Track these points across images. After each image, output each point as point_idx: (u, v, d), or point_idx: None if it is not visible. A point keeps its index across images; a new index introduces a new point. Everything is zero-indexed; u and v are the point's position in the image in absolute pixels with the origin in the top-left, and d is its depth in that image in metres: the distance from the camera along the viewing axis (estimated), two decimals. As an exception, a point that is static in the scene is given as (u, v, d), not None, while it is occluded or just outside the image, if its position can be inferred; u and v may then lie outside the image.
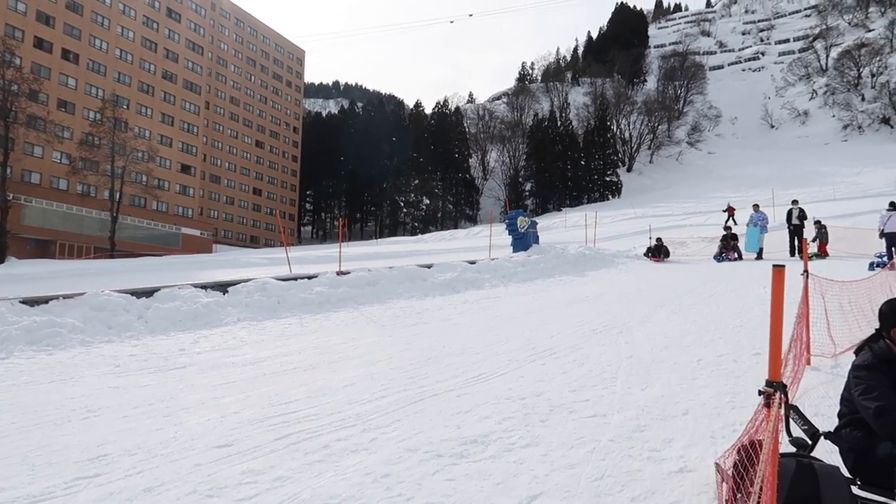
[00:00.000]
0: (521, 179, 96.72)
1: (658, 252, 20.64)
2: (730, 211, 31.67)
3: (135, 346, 7.29)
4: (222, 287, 10.27)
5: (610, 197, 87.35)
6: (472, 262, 15.74)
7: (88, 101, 57.60)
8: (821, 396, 5.12)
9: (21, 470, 3.61)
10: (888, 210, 17.53)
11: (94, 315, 8.01)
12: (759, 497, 1.81)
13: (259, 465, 3.70)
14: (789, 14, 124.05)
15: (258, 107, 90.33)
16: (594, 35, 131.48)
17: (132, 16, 63.80)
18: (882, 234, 17.15)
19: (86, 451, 3.92)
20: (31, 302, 8.03)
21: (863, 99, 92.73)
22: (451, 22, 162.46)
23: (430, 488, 3.44)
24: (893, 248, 16.51)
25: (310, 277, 11.71)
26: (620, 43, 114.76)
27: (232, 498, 3.28)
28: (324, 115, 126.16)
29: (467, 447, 4.07)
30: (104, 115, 50.08)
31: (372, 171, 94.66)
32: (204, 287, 10.04)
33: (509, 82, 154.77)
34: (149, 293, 9.20)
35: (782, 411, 2.56)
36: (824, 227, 19.64)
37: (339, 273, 12.28)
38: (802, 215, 19.20)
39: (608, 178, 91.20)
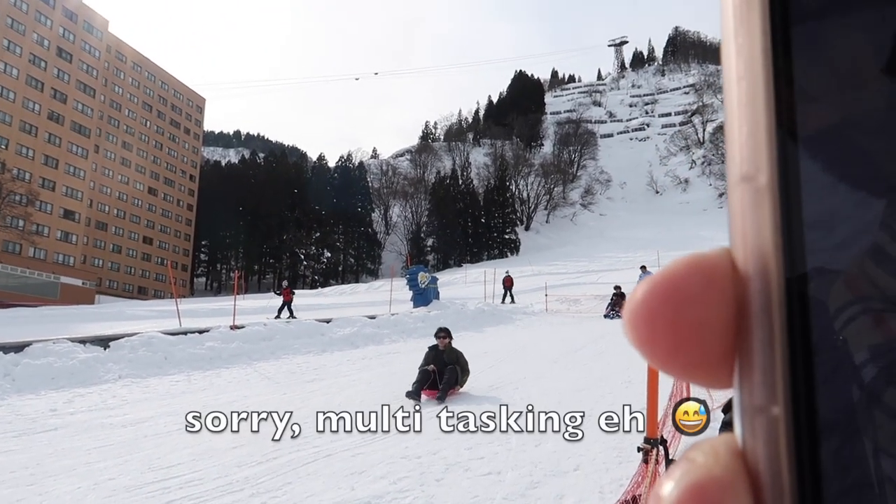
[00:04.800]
0: (423, 235, 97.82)
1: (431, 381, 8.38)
2: (507, 281, 27.06)
3: (-2, 406, 6.67)
4: (103, 341, 9.64)
5: (509, 254, 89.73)
6: (372, 317, 15.64)
7: (-39, 138, 53.59)
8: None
9: None
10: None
11: (-49, 372, 7.29)
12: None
13: (134, 537, 3.45)
14: (670, 90, 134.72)
15: (153, 153, 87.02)
16: (494, 99, 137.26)
17: (17, 52, 60.45)
18: None
19: (-69, 528, 3.52)
20: None
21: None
22: (357, 79, 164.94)
23: (321, 554, 3.32)
24: None
25: (201, 332, 11.23)
26: (519, 108, 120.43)
27: (101, 574, 3.03)
28: (223, 164, 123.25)
29: (360, 509, 3.98)
30: (-22, 155, 46.71)
31: (272, 222, 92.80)
32: (82, 341, 9.39)
33: (412, 140, 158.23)
34: (18, 348, 8.49)
35: (662, 467, 2.70)
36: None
37: (233, 327, 11.85)
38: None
39: (507, 236, 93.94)
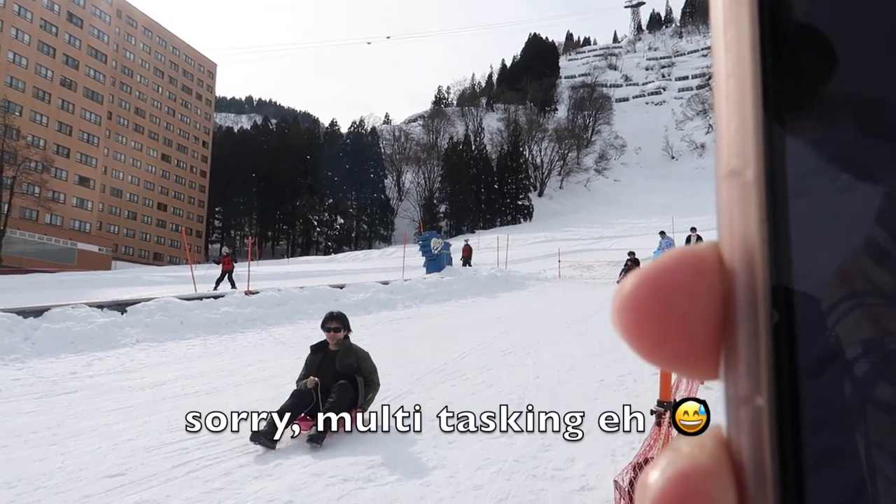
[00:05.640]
0: (435, 201, 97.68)
1: None
2: (465, 251, 27.08)
3: (19, 369, 6.80)
4: (120, 306, 9.77)
5: (522, 220, 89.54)
6: (385, 283, 15.70)
7: (-25, 105, 53.65)
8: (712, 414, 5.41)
9: None
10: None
11: (-27, 336, 7.42)
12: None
13: (154, 496, 3.53)
14: (688, 53, 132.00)
15: (165, 119, 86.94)
16: (508, 63, 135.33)
17: (28, 18, 60.18)
18: None
19: (-43, 485, 3.61)
20: None
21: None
22: (369, 43, 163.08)
23: (336, 514, 3.38)
24: None
25: (216, 297, 11.33)
26: (533, 72, 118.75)
27: (123, 531, 3.11)
28: (236, 130, 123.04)
29: (374, 470, 4.04)
30: (-7, 122, 46.91)
31: (285, 188, 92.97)
32: (100, 306, 9.51)
33: (424, 105, 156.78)
34: (37, 312, 8.62)
35: (674, 430, 2.71)
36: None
37: (248, 292, 11.95)
38: (700, 242, 20.57)
39: (520, 202, 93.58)
